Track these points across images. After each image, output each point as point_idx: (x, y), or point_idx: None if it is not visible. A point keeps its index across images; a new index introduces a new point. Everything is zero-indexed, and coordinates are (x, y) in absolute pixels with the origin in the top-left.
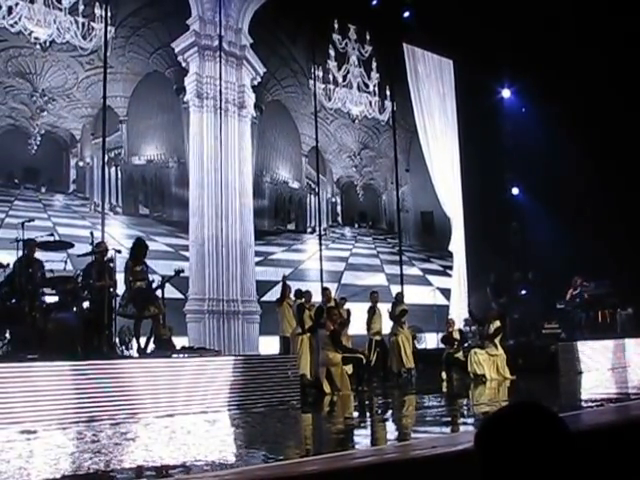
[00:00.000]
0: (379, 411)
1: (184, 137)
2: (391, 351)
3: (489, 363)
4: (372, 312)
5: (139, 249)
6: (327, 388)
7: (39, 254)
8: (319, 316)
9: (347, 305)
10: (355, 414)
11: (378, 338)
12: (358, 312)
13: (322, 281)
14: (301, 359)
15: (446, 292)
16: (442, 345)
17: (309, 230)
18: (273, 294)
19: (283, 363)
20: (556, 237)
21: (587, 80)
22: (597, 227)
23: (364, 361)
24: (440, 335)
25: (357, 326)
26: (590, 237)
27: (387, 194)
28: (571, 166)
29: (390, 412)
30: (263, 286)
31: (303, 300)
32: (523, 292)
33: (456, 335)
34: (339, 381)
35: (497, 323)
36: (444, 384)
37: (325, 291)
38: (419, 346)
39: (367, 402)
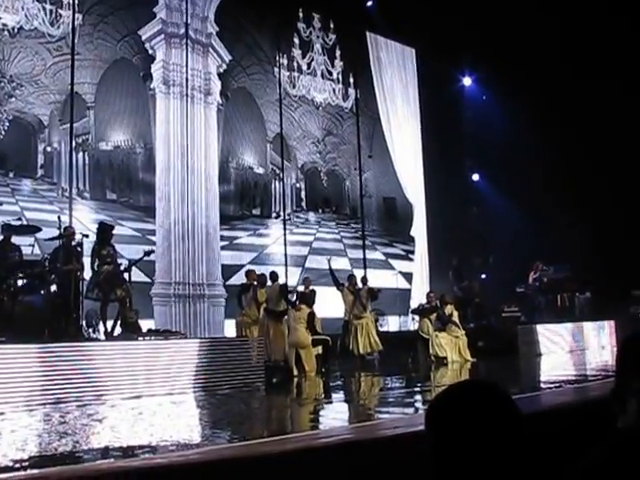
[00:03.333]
0: (344, 393)
1: (151, 123)
2: (355, 334)
3: (451, 345)
4: (353, 295)
5: (104, 233)
6: (295, 370)
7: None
8: (286, 296)
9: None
10: (320, 395)
11: (359, 322)
12: (322, 295)
13: (286, 265)
14: (272, 341)
15: (408, 276)
16: (412, 316)
17: (274, 215)
18: (238, 278)
19: (247, 345)
20: (517, 222)
21: (548, 69)
22: (557, 212)
23: (330, 343)
24: (402, 318)
25: (323, 308)
26: (550, 222)
27: (350, 180)
28: (531, 152)
29: (354, 394)
30: (228, 270)
31: (255, 283)
32: (483, 276)
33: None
34: (307, 362)
35: (449, 308)
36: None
37: (305, 280)
38: (381, 329)
39: (332, 384)
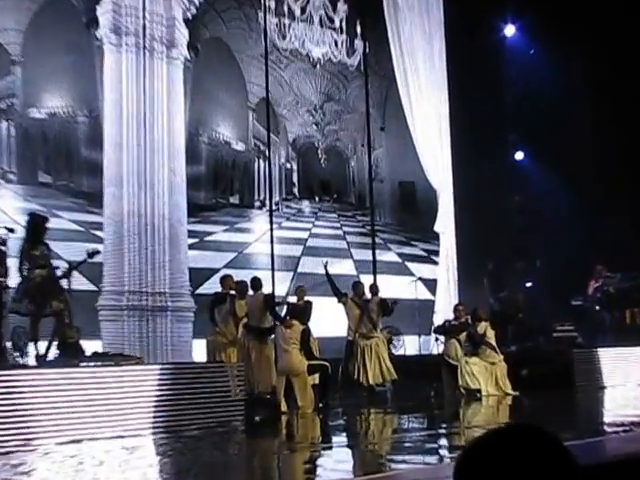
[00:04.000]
0: (347, 435)
1: (97, 84)
2: (362, 358)
3: (485, 375)
4: (359, 309)
5: (36, 227)
6: (284, 405)
7: None
8: (272, 310)
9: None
10: (317, 439)
11: (367, 343)
12: (320, 308)
13: (273, 269)
14: (254, 368)
15: (431, 284)
16: (436, 336)
17: (257, 204)
18: (211, 285)
19: (223, 373)
20: (572, 215)
21: (614, 16)
22: (624, 204)
23: (330, 370)
24: (423, 339)
25: (321, 326)
26: (615, 215)
27: (357, 159)
28: (591, 123)
29: (361, 437)
30: (198, 275)
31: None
32: (529, 284)
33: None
34: (301, 395)
35: (483, 326)
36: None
37: (298, 289)
38: (396, 352)
39: (332, 423)
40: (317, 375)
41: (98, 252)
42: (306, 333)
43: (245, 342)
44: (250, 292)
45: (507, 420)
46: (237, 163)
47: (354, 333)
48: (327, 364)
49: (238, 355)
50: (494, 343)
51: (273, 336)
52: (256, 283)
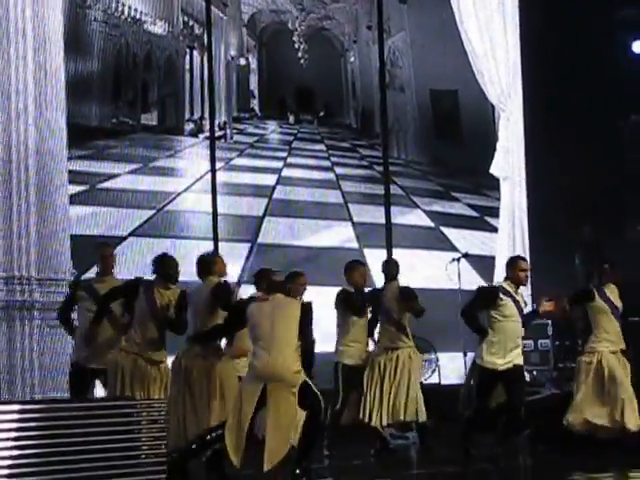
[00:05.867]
0: None
1: None
2: (374, 384)
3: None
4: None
5: None
6: (236, 458)
7: None
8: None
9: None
10: None
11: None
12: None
13: (216, 239)
14: (190, 406)
15: (484, 264)
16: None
17: (189, 128)
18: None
19: (131, 415)
20: None
21: None
22: None
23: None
24: (470, 358)
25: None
26: None
27: (359, 53)
28: None
29: None
30: (86, 248)
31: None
32: None
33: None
34: (274, 427)
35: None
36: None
37: (262, 274)
38: (424, 379)
39: None
40: (303, 415)
41: None
42: (307, 310)
43: (181, 362)
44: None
45: None
46: (155, 57)
47: (360, 346)
48: (321, 400)
49: (161, 385)
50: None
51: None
52: (205, 263)
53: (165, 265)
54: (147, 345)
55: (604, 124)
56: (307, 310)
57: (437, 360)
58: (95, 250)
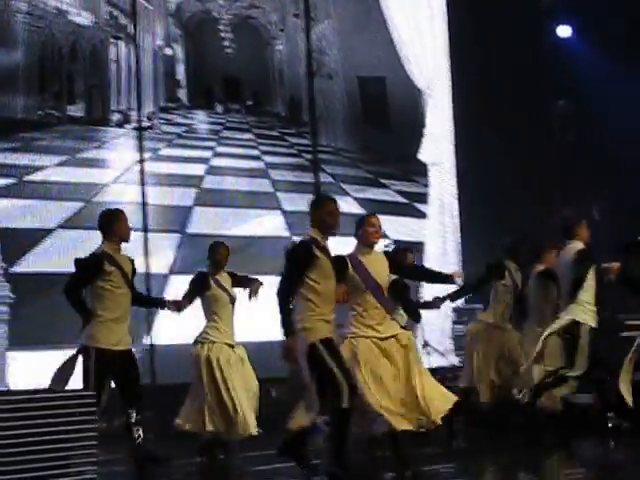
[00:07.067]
0: None
1: None
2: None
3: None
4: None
5: None
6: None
7: None
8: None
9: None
10: None
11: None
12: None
13: (146, 229)
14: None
15: (415, 249)
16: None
17: (115, 119)
18: (38, 259)
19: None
20: None
21: None
22: None
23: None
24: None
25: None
26: None
27: (286, 41)
28: None
29: None
30: (13, 242)
31: None
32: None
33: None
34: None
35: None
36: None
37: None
38: None
39: None
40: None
41: None
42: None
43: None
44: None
45: None
46: (80, 48)
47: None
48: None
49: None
50: None
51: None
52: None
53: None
54: None
55: (532, 109)
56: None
57: None
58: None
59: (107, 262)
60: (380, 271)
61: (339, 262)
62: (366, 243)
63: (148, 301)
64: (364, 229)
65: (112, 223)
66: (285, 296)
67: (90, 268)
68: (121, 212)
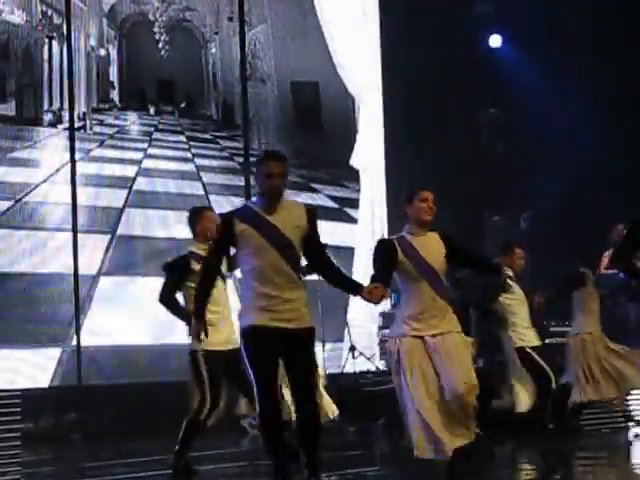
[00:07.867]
0: None
1: None
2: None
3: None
4: None
5: None
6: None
7: None
8: None
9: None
10: None
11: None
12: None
13: (76, 230)
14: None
15: (344, 255)
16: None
17: (47, 119)
18: None
19: None
20: (583, 138)
21: None
22: None
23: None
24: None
25: None
26: None
27: (220, 44)
28: None
29: None
30: None
31: None
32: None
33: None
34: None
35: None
36: None
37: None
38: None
39: None
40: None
41: None
42: None
43: None
44: None
45: None
46: (12, 47)
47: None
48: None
49: None
50: None
51: None
52: None
53: None
54: None
55: (463, 117)
56: None
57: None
58: None
59: (194, 261)
60: (436, 254)
61: (386, 247)
62: (417, 222)
63: None
64: (414, 204)
65: (195, 222)
66: None
67: (177, 270)
68: (205, 210)
